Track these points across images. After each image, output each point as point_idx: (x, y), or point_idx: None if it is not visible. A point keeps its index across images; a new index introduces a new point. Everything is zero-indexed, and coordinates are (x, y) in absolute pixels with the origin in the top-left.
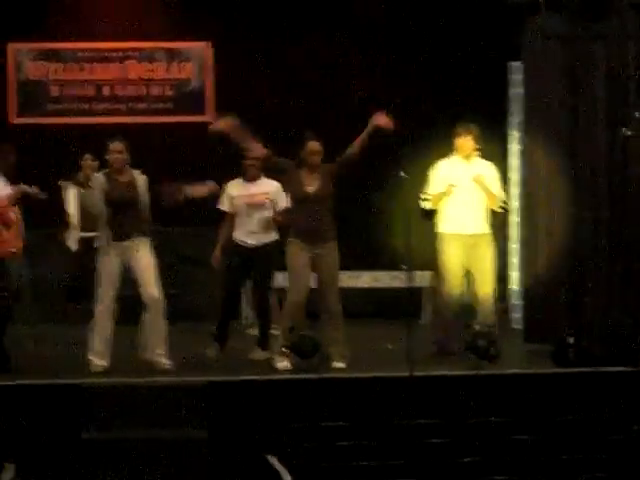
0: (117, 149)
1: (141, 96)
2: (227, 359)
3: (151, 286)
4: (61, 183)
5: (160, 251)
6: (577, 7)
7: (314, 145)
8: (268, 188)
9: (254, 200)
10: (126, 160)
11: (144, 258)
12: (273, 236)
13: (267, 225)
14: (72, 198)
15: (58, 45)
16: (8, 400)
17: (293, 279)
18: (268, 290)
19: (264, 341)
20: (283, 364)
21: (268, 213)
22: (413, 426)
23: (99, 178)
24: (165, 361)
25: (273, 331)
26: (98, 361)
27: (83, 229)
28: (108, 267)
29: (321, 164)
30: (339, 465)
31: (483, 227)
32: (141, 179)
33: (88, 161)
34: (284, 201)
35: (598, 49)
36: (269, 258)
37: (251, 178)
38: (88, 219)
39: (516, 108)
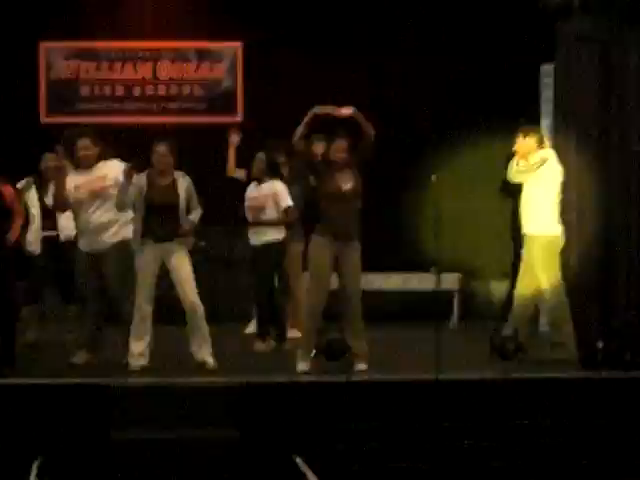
0: (161, 152)
1: (172, 96)
2: (256, 361)
3: (189, 292)
4: (21, 184)
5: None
6: (611, 11)
7: (339, 143)
8: (272, 189)
9: (253, 203)
10: (170, 163)
11: (180, 263)
12: (275, 235)
13: (268, 224)
14: (34, 198)
15: (89, 44)
16: (37, 399)
17: (314, 280)
18: (267, 287)
19: (263, 334)
20: (302, 366)
21: (269, 213)
22: (441, 429)
23: (140, 178)
24: (210, 361)
25: (294, 333)
26: (136, 360)
27: (44, 228)
28: (144, 267)
29: (350, 161)
30: (368, 467)
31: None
32: (183, 182)
33: (49, 161)
34: (286, 200)
35: (632, 54)
36: (269, 256)
37: (258, 180)
38: (49, 217)
39: (548, 111)
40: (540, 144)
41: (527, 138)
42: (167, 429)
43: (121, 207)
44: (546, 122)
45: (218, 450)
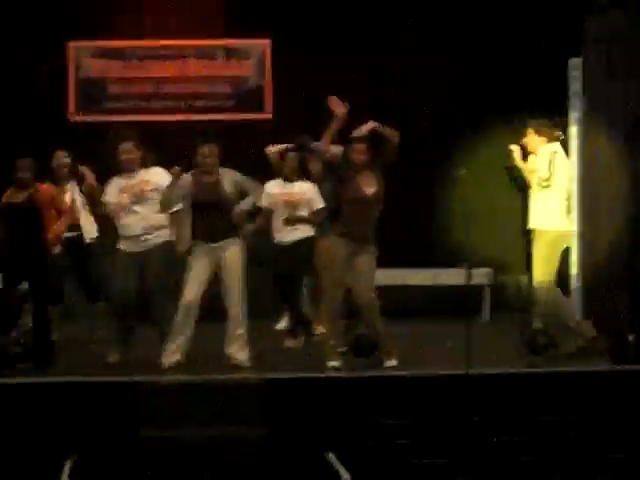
0: (206, 153)
1: (200, 94)
2: (287, 357)
3: (235, 293)
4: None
5: None
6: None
7: (358, 145)
8: (305, 188)
9: (291, 198)
10: (215, 163)
11: (231, 261)
12: (307, 232)
13: (300, 222)
14: None
15: (117, 43)
16: (68, 397)
17: (329, 277)
18: (299, 284)
19: (294, 330)
20: (333, 363)
21: (303, 212)
22: (472, 424)
23: (186, 179)
24: (243, 358)
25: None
26: (171, 357)
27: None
28: (196, 265)
29: (370, 163)
30: (398, 463)
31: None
32: (228, 179)
33: (61, 159)
34: (320, 202)
35: None
36: (302, 253)
37: (289, 178)
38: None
39: (576, 105)
40: (549, 138)
41: (536, 133)
42: (198, 426)
43: (166, 206)
44: (575, 115)
45: (249, 447)
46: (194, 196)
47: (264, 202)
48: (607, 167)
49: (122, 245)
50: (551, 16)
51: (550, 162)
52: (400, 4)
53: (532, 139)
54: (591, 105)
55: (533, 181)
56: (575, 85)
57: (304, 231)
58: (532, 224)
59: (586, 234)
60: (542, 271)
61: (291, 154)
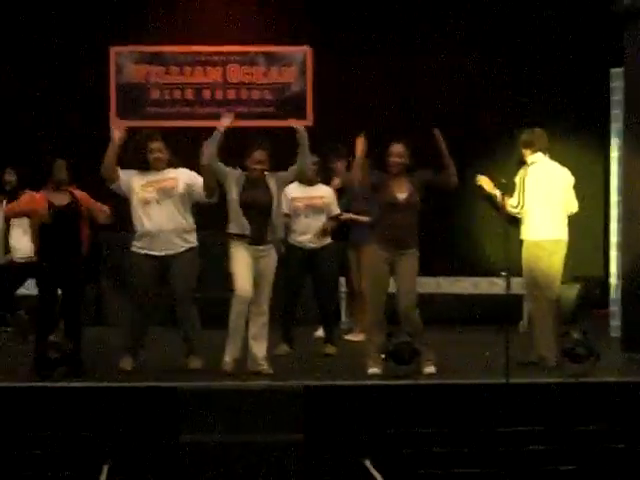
0: (257, 159)
1: (241, 100)
2: (322, 363)
3: (264, 298)
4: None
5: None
6: None
7: (396, 148)
8: (324, 192)
9: (313, 203)
10: (265, 169)
11: (267, 268)
12: (328, 238)
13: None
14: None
15: (159, 48)
16: (107, 402)
17: (371, 286)
18: (332, 290)
19: (331, 337)
20: (373, 370)
21: (323, 216)
22: (510, 433)
23: (237, 172)
24: (265, 365)
25: (362, 337)
26: (230, 361)
27: None
28: (241, 265)
29: (414, 171)
30: (435, 472)
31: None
32: (275, 181)
33: (7, 175)
34: (337, 208)
35: None
36: (330, 259)
37: (309, 182)
38: None
39: (618, 115)
40: (533, 149)
41: (521, 144)
42: (234, 432)
43: (208, 158)
44: (616, 126)
45: (286, 453)
46: (243, 197)
47: (285, 208)
48: None
49: (141, 245)
50: (593, 26)
51: (520, 184)
52: (440, 10)
53: (519, 150)
54: (632, 115)
55: (507, 209)
56: (617, 95)
57: (327, 237)
58: (521, 235)
59: (627, 244)
60: (526, 281)
61: (312, 157)
